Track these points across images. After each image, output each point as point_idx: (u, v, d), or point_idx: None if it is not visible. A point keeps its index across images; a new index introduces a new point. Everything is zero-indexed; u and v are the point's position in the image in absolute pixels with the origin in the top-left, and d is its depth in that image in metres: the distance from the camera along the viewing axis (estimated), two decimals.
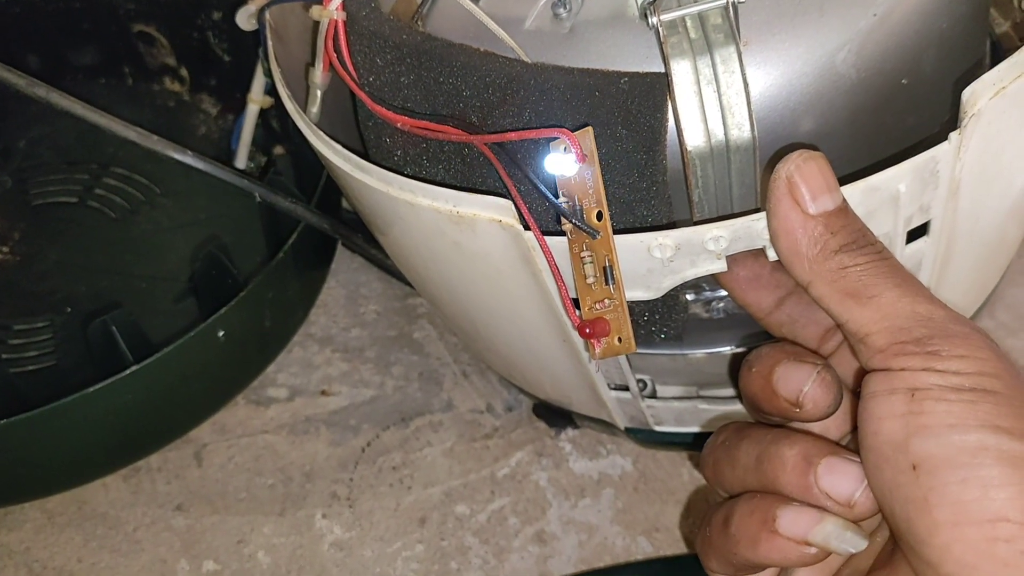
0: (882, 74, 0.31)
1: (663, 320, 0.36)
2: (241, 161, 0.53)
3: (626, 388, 0.40)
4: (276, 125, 0.57)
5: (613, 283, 0.28)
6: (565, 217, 0.28)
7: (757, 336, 0.38)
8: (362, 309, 0.56)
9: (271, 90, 0.49)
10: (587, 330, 0.28)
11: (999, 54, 0.46)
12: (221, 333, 0.44)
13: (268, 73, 0.41)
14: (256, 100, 0.49)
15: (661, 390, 0.42)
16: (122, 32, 0.61)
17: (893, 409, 0.24)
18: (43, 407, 0.41)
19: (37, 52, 0.63)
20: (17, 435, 0.41)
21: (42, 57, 0.64)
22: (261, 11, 0.39)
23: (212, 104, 0.63)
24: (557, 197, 0.29)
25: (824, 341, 0.30)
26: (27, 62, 0.63)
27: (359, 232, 0.48)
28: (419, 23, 0.35)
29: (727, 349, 0.39)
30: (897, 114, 0.32)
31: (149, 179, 0.59)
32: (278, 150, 0.57)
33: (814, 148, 0.27)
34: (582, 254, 0.28)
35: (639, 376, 0.42)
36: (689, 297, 0.38)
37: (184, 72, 0.63)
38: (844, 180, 0.27)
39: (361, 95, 0.33)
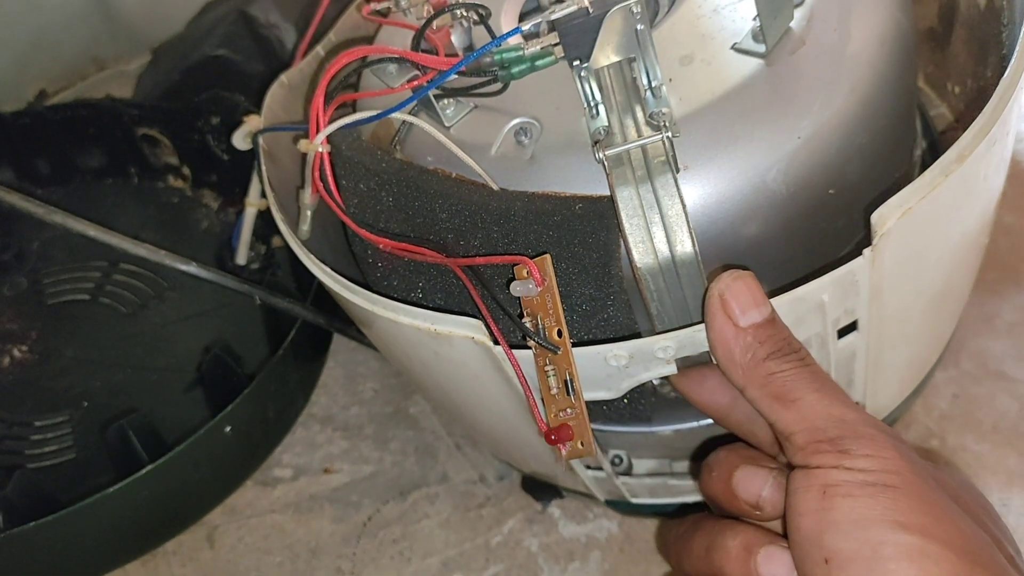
0: (809, 187, 0.34)
1: (632, 405, 0.39)
2: (242, 257, 0.56)
3: (601, 468, 0.43)
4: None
5: (574, 394, 0.31)
6: (529, 336, 0.31)
7: None
8: (360, 387, 0.59)
9: None
10: (552, 436, 0.31)
11: (933, 135, 0.50)
12: (228, 429, 0.47)
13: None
14: (253, 204, 0.52)
15: (636, 464, 0.45)
16: (127, 135, 0.65)
17: (808, 505, 0.27)
18: (66, 508, 0.44)
19: (46, 157, 0.67)
20: (42, 536, 0.44)
21: (51, 162, 0.67)
22: (255, 135, 0.43)
23: (213, 199, 0.66)
24: (523, 315, 0.32)
25: None
26: (37, 167, 0.67)
27: (354, 325, 0.51)
28: (397, 148, 0.39)
29: (693, 424, 0.42)
30: (828, 218, 0.36)
31: (156, 273, 0.63)
32: (277, 241, 0.60)
33: (743, 268, 0.30)
34: (546, 367, 0.32)
35: (615, 452, 0.45)
36: (655, 381, 0.41)
37: (186, 170, 0.66)
38: (775, 292, 0.31)
39: (347, 221, 0.37)
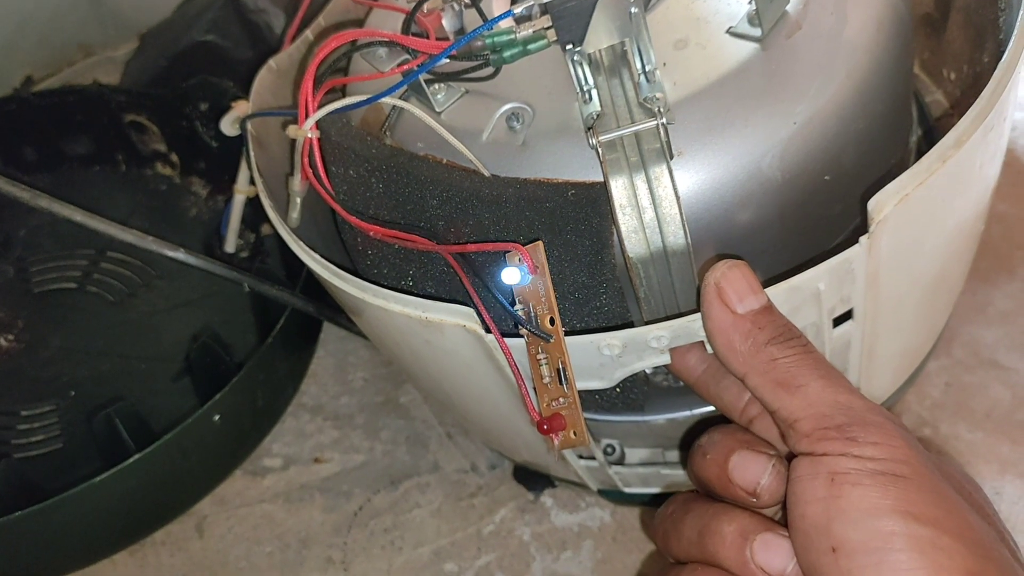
0: (805, 174, 0.34)
1: (624, 395, 0.39)
2: (231, 245, 0.55)
3: (593, 458, 0.43)
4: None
5: (566, 383, 0.31)
6: (521, 325, 0.31)
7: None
8: (350, 376, 0.59)
9: None
10: (545, 426, 0.31)
11: (929, 122, 0.49)
12: (216, 417, 0.46)
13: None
14: (242, 190, 0.52)
15: (629, 453, 0.45)
16: (114, 122, 0.64)
17: (815, 493, 0.27)
18: (53, 497, 0.43)
19: (33, 144, 0.66)
20: (29, 525, 0.44)
21: (38, 149, 0.67)
22: (243, 121, 0.43)
23: (202, 186, 0.66)
24: (514, 303, 0.32)
25: (751, 404, 0.33)
26: (23, 154, 0.66)
27: (343, 313, 0.51)
28: (387, 133, 0.38)
29: (686, 413, 0.42)
30: (823, 205, 0.35)
31: (144, 261, 0.62)
32: (266, 229, 0.60)
33: (737, 257, 0.30)
34: (538, 356, 0.31)
35: (608, 441, 0.44)
36: (648, 370, 0.41)
37: (174, 157, 0.66)
38: (770, 281, 0.31)
39: (337, 208, 0.36)
